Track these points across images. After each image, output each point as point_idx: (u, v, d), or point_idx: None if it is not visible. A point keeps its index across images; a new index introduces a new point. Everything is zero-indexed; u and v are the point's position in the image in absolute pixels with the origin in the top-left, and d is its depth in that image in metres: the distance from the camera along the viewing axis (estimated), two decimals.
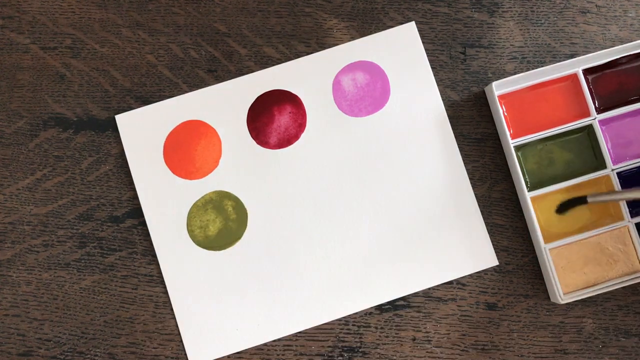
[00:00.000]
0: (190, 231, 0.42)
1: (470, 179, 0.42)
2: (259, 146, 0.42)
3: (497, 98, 0.41)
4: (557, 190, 0.41)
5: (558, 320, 0.41)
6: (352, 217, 0.42)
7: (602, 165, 0.41)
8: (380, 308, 0.41)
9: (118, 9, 0.44)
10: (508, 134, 0.41)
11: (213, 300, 0.41)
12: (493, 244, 0.42)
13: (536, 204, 0.41)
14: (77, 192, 0.42)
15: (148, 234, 0.42)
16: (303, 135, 0.42)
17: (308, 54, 0.43)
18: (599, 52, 0.41)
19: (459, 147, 0.42)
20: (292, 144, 0.42)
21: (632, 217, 0.41)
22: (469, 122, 0.43)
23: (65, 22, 0.44)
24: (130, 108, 0.43)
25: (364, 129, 0.42)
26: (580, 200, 0.40)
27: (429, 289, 0.41)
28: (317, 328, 0.41)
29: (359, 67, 0.43)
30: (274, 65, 0.43)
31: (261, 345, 0.41)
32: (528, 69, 0.43)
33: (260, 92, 0.43)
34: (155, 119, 0.43)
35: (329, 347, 0.41)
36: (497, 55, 0.43)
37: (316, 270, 0.41)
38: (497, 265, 0.42)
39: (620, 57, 0.42)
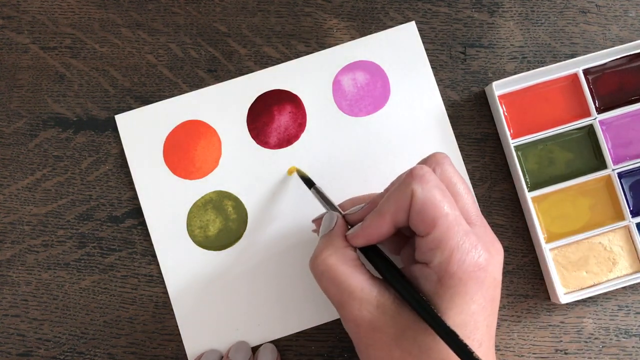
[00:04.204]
0: (190, 231, 0.42)
1: (470, 179, 0.42)
2: (259, 146, 0.42)
3: (497, 98, 0.41)
4: (557, 190, 0.41)
5: (558, 320, 0.41)
6: None
7: (602, 165, 0.41)
8: None
9: (118, 9, 0.44)
10: (508, 134, 0.41)
11: (213, 301, 0.41)
12: None
13: (536, 204, 0.41)
14: (77, 192, 0.42)
15: (148, 234, 0.42)
16: (303, 135, 0.42)
17: (308, 53, 0.43)
18: (599, 52, 0.41)
19: (459, 147, 0.42)
20: (292, 143, 0.42)
21: (632, 216, 0.41)
22: (469, 122, 0.43)
23: (65, 22, 0.43)
24: (130, 108, 0.43)
25: (364, 129, 0.42)
26: None
27: None
28: (317, 328, 0.41)
29: (359, 66, 0.43)
30: (274, 65, 0.43)
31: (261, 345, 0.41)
32: (528, 69, 0.43)
33: (260, 92, 0.43)
34: (155, 119, 0.43)
35: (329, 347, 0.41)
36: (497, 55, 0.43)
37: None
38: None
39: (621, 57, 0.42)
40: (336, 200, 0.38)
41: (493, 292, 0.31)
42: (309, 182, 0.39)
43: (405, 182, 0.31)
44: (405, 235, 0.36)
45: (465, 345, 0.27)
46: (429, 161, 0.33)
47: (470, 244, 0.30)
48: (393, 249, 0.36)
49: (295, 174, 0.42)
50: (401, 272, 0.32)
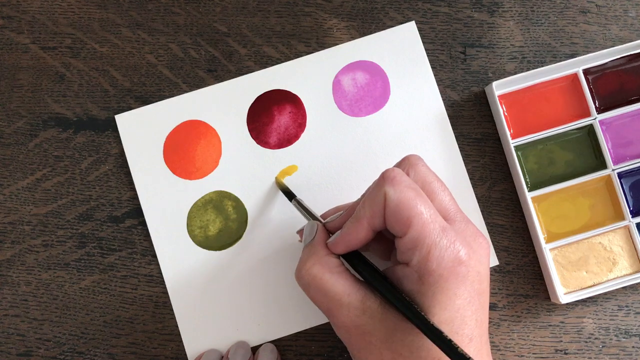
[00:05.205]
0: (191, 231, 0.42)
1: (470, 179, 0.42)
2: (259, 146, 0.42)
3: (497, 98, 0.41)
4: (557, 190, 0.41)
5: (558, 320, 0.41)
6: None
7: (602, 165, 0.41)
8: None
9: (118, 9, 0.44)
10: (508, 134, 0.41)
11: (213, 300, 0.41)
12: (493, 244, 0.42)
13: (536, 204, 0.41)
14: (77, 192, 0.42)
15: (148, 234, 0.42)
16: (303, 135, 0.42)
17: (308, 53, 0.43)
18: (599, 52, 0.41)
19: (459, 147, 0.42)
20: (292, 143, 0.42)
21: (632, 217, 0.41)
22: (469, 122, 0.43)
23: (65, 22, 0.43)
24: (130, 108, 0.43)
25: (364, 129, 0.42)
26: None
27: None
28: (317, 328, 0.41)
29: (359, 66, 0.43)
30: (274, 65, 0.43)
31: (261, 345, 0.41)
32: (528, 69, 0.43)
33: (260, 92, 0.43)
34: (155, 119, 0.43)
35: (329, 347, 0.41)
36: (497, 55, 0.43)
37: None
38: (497, 265, 0.42)
39: (621, 57, 0.42)
40: (324, 208, 0.38)
41: (479, 286, 0.30)
42: (289, 195, 0.39)
43: (377, 185, 0.31)
44: (392, 240, 0.36)
45: (450, 341, 0.27)
46: (402, 164, 0.33)
47: (448, 240, 0.30)
48: (382, 255, 0.36)
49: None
50: (383, 275, 0.32)
